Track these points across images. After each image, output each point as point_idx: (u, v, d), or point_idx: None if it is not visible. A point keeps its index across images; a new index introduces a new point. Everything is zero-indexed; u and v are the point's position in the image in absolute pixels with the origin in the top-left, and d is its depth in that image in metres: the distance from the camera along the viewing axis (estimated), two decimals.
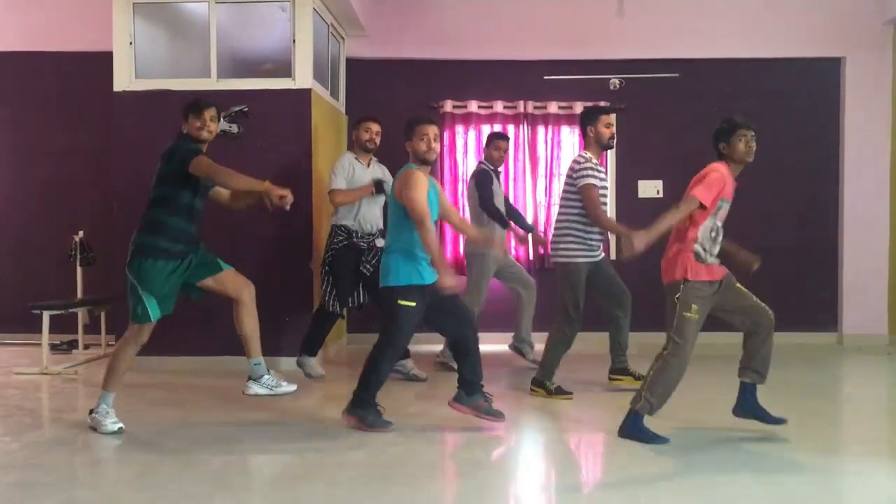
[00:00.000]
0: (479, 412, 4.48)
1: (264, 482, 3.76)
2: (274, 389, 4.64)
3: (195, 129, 4.57)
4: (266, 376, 4.64)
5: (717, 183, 4.14)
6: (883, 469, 3.90)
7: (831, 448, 4.26)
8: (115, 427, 4.43)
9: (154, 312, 4.44)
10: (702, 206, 4.12)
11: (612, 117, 5.40)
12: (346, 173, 5.76)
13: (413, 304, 4.34)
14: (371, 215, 5.81)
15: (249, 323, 4.61)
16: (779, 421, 4.31)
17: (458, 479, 3.94)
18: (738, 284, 4.34)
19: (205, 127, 4.58)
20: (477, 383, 4.49)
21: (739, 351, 4.38)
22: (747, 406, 4.35)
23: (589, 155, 5.30)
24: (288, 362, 6.01)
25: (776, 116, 7.31)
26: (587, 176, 5.20)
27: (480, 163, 6.40)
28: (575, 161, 5.34)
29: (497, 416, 4.49)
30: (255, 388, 4.64)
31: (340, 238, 5.75)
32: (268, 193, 4.33)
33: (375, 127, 5.87)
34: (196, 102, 4.63)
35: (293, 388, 4.70)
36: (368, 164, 5.89)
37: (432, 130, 4.45)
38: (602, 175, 5.29)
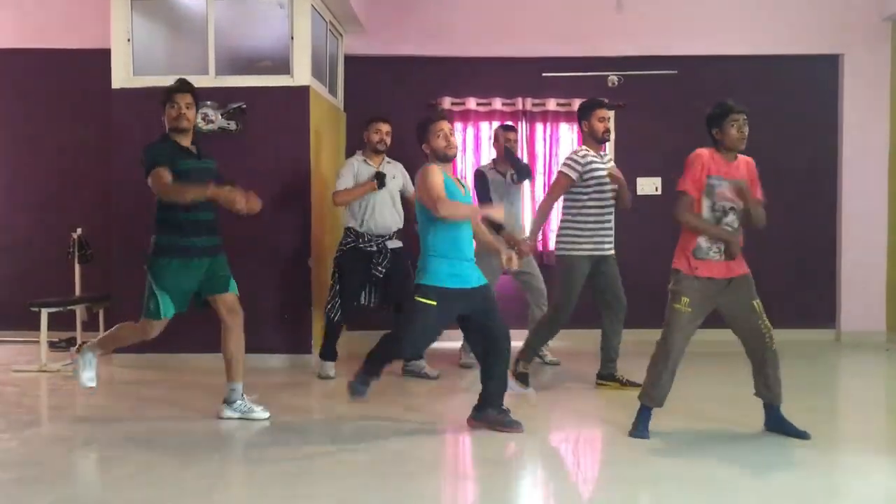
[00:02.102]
0: (494, 425, 4.40)
1: (263, 480, 3.75)
2: (245, 415, 4.59)
3: (171, 119, 4.38)
4: (239, 401, 4.61)
5: (689, 168, 4.16)
6: (881, 465, 3.90)
7: (830, 444, 4.25)
8: (91, 384, 4.62)
9: (167, 309, 4.42)
10: (685, 194, 4.15)
11: (606, 111, 5.38)
12: (352, 175, 5.68)
13: (433, 303, 4.24)
14: (381, 216, 5.72)
15: (233, 347, 4.57)
16: (801, 435, 4.23)
17: (458, 476, 3.95)
18: (756, 302, 4.23)
19: (181, 115, 4.35)
20: (489, 402, 4.41)
21: (740, 346, 4.38)
22: (771, 423, 4.35)
23: (580, 147, 5.33)
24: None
25: (774, 113, 7.30)
26: (563, 165, 5.31)
27: (493, 160, 6.39)
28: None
29: (514, 426, 4.39)
30: (227, 412, 4.61)
31: (349, 240, 5.72)
32: (216, 197, 4.21)
33: (385, 127, 5.80)
34: (167, 89, 4.42)
35: (265, 415, 4.61)
36: (379, 166, 5.80)
37: (447, 125, 4.41)
38: (594, 166, 5.26)
